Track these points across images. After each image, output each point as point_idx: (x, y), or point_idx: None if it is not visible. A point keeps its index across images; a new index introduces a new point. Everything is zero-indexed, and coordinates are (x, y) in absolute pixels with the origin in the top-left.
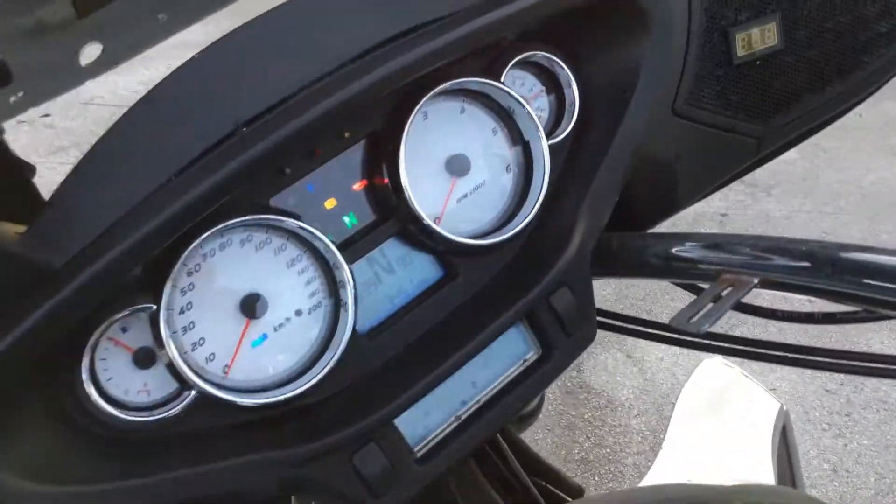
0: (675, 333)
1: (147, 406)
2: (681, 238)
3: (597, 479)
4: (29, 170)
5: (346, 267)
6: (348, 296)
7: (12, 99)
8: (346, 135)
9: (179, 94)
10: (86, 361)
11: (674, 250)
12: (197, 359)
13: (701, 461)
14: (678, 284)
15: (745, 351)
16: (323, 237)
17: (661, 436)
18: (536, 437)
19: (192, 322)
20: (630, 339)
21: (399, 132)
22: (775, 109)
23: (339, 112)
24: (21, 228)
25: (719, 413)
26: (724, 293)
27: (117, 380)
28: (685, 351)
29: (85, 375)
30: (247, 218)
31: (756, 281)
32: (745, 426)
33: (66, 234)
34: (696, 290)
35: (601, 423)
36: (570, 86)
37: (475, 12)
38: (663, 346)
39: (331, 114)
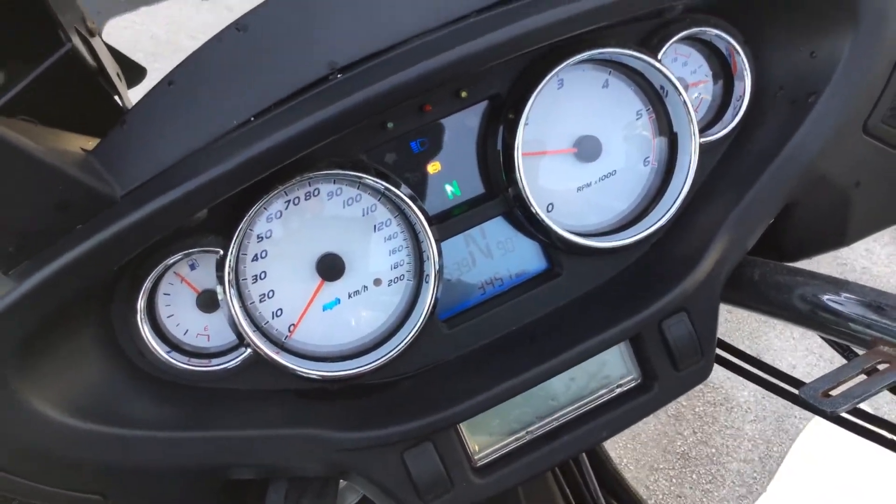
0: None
1: (206, 353)
2: (837, 286)
3: (694, 477)
4: (137, 72)
5: (432, 240)
6: (431, 273)
7: None
8: (464, 94)
9: (274, 25)
10: (142, 297)
11: (825, 298)
12: (263, 311)
13: None
14: (825, 339)
15: (885, 438)
16: (410, 202)
17: (774, 448)
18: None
19: (263, 272)
20: (764, 338)
21: (525, 98)
22: None
23: (454, 71)
24: (94, 143)
25: (844, 460)
26: (877, 368)
27: (179, 318)
28: (825, 364)
29: (140, 312)
30: (334, 171)
31: None
32: (873, 481)
33: (131, 163)
34: (843, 351)
35: (712, 421)
36: (743, 75)
37: None
38: (798, 353)
39: (444, 72)
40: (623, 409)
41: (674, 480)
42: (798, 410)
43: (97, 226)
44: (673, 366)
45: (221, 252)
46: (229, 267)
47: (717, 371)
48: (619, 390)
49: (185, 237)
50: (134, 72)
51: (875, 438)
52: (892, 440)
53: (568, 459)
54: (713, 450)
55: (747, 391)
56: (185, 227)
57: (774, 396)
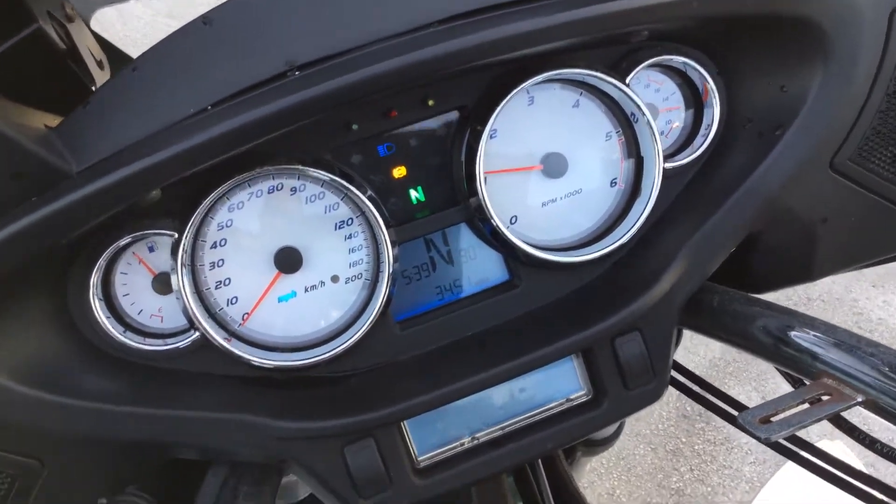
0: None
1: (158, 333)
2: (790, 318)
3: None
4: (124, 63)
5: (388, 241)
6: (385, 274)
7: None
8: (431, 102)
9: (238, 20)
10: (95, 274)
11: (777, 329)
12: (219, 298)
13: None
14: (778, 370)
15: (822, 469)
16: (368, 203)
17: None
18: (637, 452)
19: (221, 259)
20: (771, 380)
21: (490, 111)
22: None
23: (405, 75)
24: (58, 121)
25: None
26: (821, 399)
27: (133, 297)
28: None
29: (93, 289)
30: (295, 167)
31: (860, 399)
32: None
33: (89, 141)
34: (794, 382)
35: (710, 459)
36: (712, 104)
37: None
38: None
39: (394, 76)
40: (570, 423)
41: None
42: None
43: (50, 197)
44: (623, 384)
45: (176, 236)
46: (183, 251)
47: None
48: (568, 404)
49: (142, 218)
50: (121, 62)
51: (812, 468)
52: (827, 470)
53: (515, 468)
54: (709, 488)
55: None
56: (140, 207)
57: None
